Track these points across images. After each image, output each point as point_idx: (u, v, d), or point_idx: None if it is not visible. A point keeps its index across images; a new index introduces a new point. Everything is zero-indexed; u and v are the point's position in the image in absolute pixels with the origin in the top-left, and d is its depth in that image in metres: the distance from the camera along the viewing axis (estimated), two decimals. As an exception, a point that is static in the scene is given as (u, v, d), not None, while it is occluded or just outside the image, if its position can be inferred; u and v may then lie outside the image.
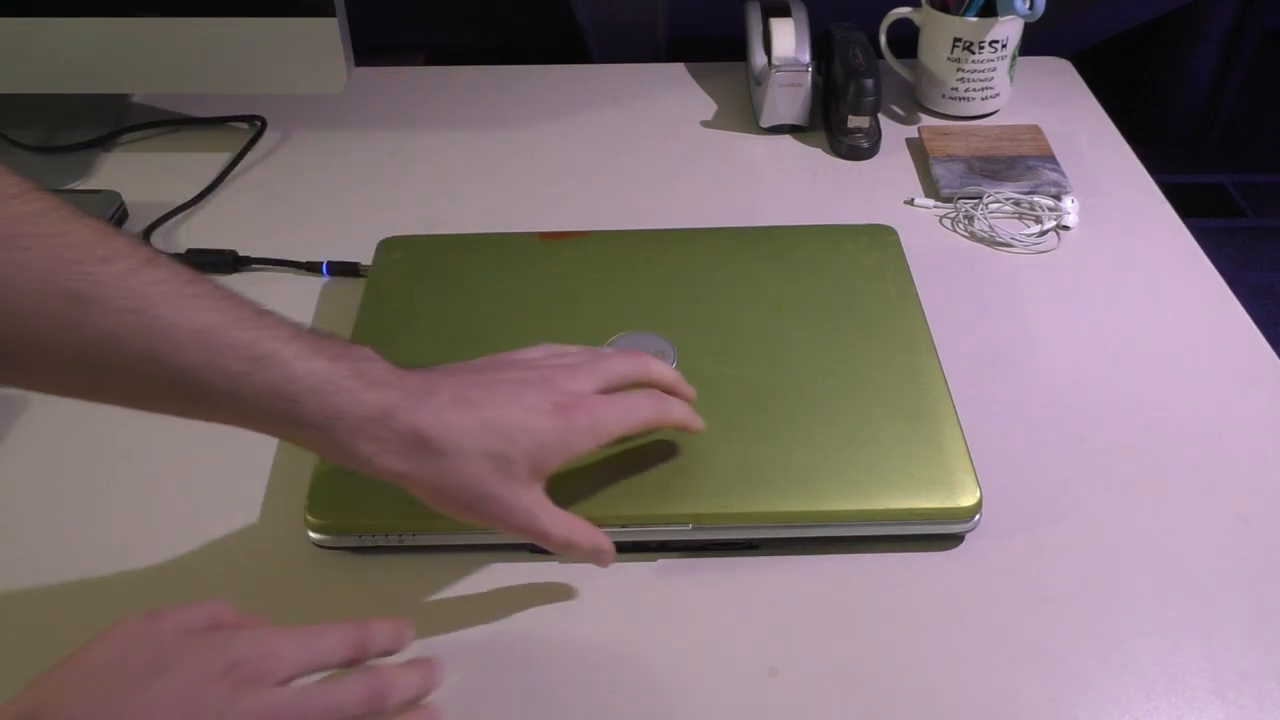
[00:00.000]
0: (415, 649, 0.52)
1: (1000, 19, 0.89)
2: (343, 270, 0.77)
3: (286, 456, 0.63)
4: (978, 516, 0.56)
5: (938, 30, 0.92)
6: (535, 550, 0.57)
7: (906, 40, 0.94)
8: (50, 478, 0.62)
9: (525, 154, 0.90)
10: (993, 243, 0.80)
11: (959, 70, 0.92)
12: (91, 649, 0.38)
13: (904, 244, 0.74)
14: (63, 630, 0.52)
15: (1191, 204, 2.11)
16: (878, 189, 0.86)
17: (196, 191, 0.86)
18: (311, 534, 0.56)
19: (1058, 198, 0.82)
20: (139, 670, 0.37)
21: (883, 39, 0.94)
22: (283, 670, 0.40)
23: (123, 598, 0.55)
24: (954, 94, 0.94)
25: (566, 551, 0.50)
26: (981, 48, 0.91)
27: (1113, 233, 0.80)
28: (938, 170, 0.86)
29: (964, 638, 0.52)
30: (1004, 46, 0.91)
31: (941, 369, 0.63)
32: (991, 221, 0.81)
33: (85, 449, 0.64)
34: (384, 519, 0.56)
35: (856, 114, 0.88)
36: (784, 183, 0.87)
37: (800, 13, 0.93)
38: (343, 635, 0.42)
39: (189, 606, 0.41)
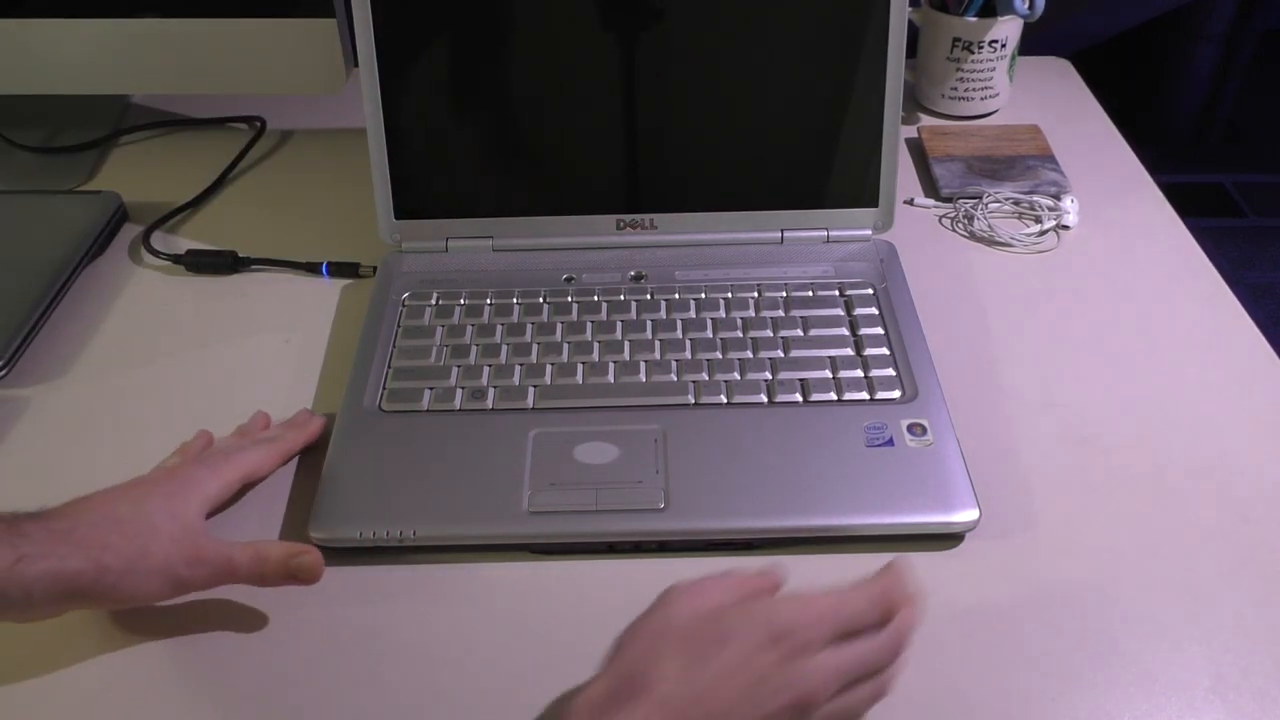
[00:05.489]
0: (417, 648, 0.52)
1: (1000, 19, 0.89)
2: (343, 270, 0.77)
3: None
4: (977, 515, 0.56)
5: (937, 30, 0.92)
6: (535, 550, 0.57)
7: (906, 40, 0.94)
8: (50, 478, 0.62)
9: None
10: (992, 242, 0.80)
11: (958, 70, 0.92)
12: (663, 620, 0.45)
13: (903, 244, 0.75)
14: (65, 630, 0.52)
15: (1191, 204, 2.11)
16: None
17: (196, 192, 0.86)
18: (313, 534, 0.56)
19: (1057, 197, 0.82)
20: (709, 642, 0.43)
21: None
22: (822, 639, 0.44)
23: (123, 598, 0.55)
24: (953, 94, 0.94)
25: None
26: (981, 48, 0.91)
27: (1113, 233, 0.80)
28: (937, 170, 0.86)
29: (964, 638, 0.52)
30: (1003, 46, 0.91)
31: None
32: (991, 221, 0.81)
33: (85, 449, 0.64)
34: (383, 521, 0.56)
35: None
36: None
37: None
38: (870, 601, 0.46)
39: (728, 579, 0.47)
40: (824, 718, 0.44)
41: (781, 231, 0.74)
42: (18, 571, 0.47)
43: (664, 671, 0.42)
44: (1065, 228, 0.81)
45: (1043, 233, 0.80)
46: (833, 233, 0.74)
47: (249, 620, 0.54)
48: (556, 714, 0.46)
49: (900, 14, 0.70)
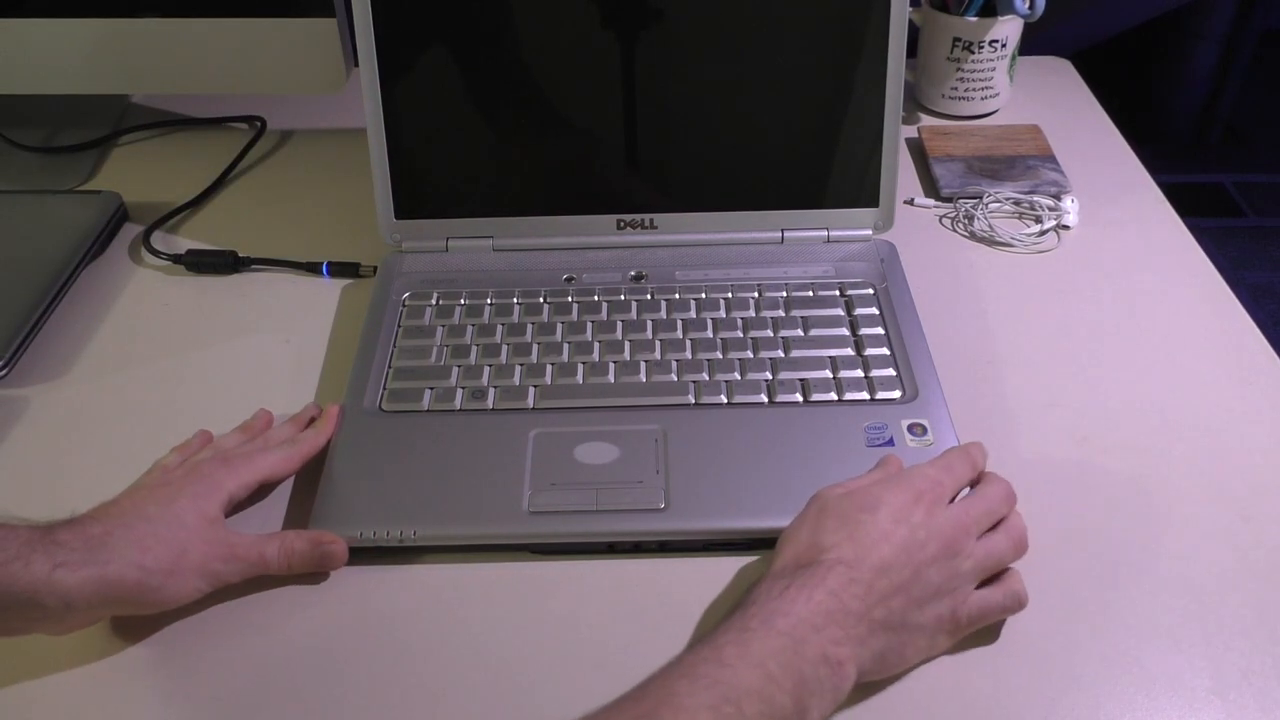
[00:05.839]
0: (417, 649, 0.52)
1: (1000, 19, 0.89)
2: (343, 270, 0.77)
3: (286, 456, 0.63)
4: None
5: (937, 30, 0.92)
6: (535, 550, 0.57)
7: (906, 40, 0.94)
8: (50, 478, 0.62)
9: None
10: (993, 242, 0.80)
11: (959, 70, 0.92)
12: (817, 508, 0.52)
13: (903, 244, 0.75)
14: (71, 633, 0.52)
15: (1191, 204, 2.12)
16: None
17: (197, 192, 0.86)
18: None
19: (1057, 197, 0.82)
20: (861, 510, 0.51)
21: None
22: (949, 494, 0.53)
23: (123, 598, 0.55)
24: (954, 94, 0.94)
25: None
26: (981, 47, 0.91)
27: (1113, 233, 0.80)
28: (937, 170, 0.86)
29: (964, 638, 0.52)
30: (1004, 46, 0.91)
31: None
32: (991, 221, 0.81)
33: (85, 449, 0.64)
34: (383, 521, 0.56)
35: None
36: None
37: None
38: (967, 462, 0.55)
39: (859, 476, 0.56)
40: (974, 564, 0.51)
41: (782, 231, 0.74)
42: (56, 579, 0.47)
43: (831, 541, 0.50)
44: (1065, 228, 0.81)
45: (1043, 233, 0.80)
46: (833, 233, 0.74)
47: (249, 620, 0.54)
48: (749, 585, 0.50)
49: (900, 14, 0.70)
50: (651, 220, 0.74)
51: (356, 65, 0.71)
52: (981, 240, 0.80)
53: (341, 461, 0.60)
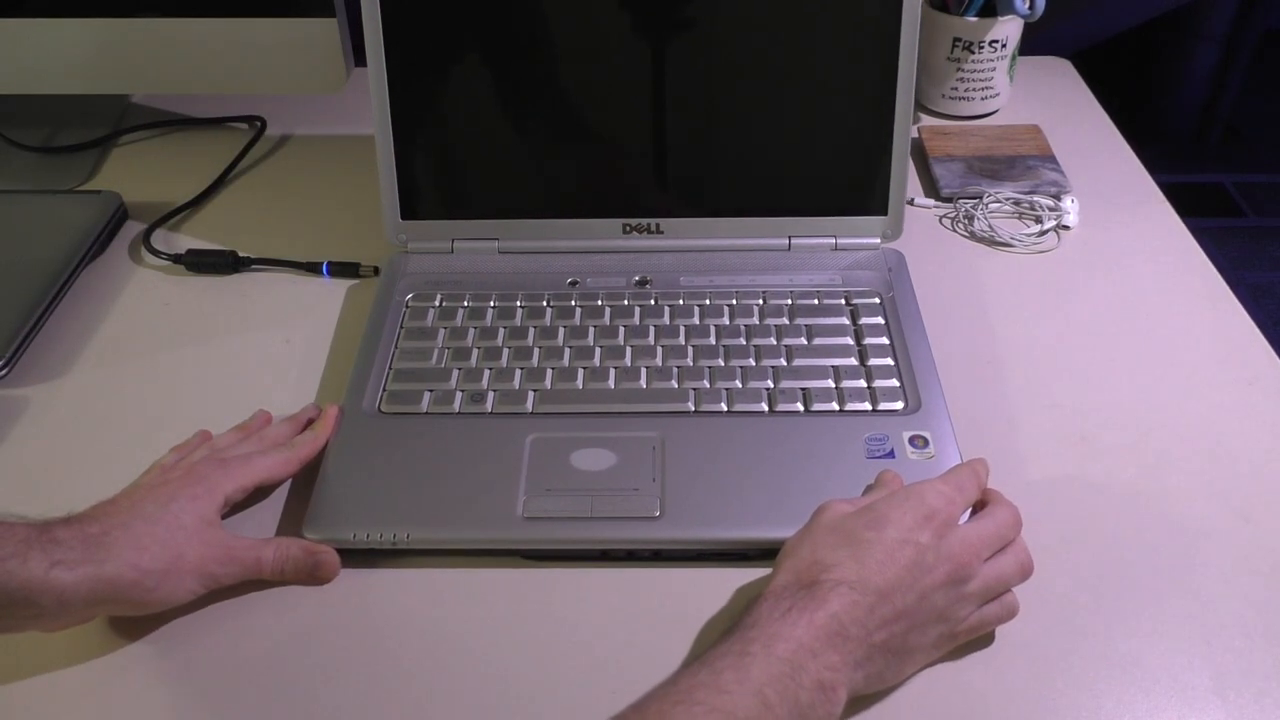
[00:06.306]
0: (408, 651, 0.52)
1: (1000, 19, 0.89)
2: (343, 270, 0.77)
3: (287, 457, 0.63)
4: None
5: (937, 30, 0.92)
6: (528, 556, 0.57)
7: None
8: (50, 478, 0.62)
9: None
10: (993, 243, 0.80)
11: (959, 70, 0.92)
12: (820, 523, 0.51)
13: (903, 244, 0.74)
14: (63, 631, 0.52)
15: (1191, 203, 2.11)
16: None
17: (197, 192, 0.86)
18: (308, 535, 0.56)
19: (1058, 197, 0.82)
20: (867, 528, 0.49)
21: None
22: (958, 512, 0.51)
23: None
24: (954, 94, 0.94)
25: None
26: (981, 47, 0.91)
27: (1113, 233, 0.80)
28: (937, 170, 0.86)
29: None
30: (1004, 46, 0.91)
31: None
32: (991, 221, 0.81)
33: (85, 449, 0.64)
34: (377, 523, 0.56)
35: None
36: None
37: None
38: (975, 481, 0.54)
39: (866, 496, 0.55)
40: (981, 586, 0.50)
41: (789, 238, 0.74)
42: (53, 578, 0.47)
43: (834, 559, 0.48)
44: (1065, 228, 0.81)
45: (1043, 233, 0.80)
46: (841, 240, 0.74)
47: (240, 620, 0.54)
48: (747, 603, 0.49)
49: (912, 23, 0.69)
50: (658, 225, 0.74)
51: (360, 65, 0.71)
52: (981, 240, 0.80)
53: (337, 462, 0.60)
